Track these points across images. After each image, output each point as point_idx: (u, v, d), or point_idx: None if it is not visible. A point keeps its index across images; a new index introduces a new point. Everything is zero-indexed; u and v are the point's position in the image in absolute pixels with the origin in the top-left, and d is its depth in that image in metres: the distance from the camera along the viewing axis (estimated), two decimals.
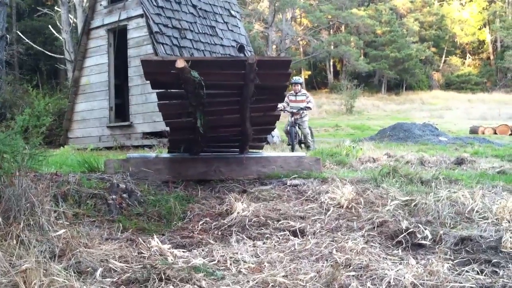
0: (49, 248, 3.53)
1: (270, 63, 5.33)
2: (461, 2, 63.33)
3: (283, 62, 5.35)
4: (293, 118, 11.66)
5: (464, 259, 3.67)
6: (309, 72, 56.61)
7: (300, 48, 55.30)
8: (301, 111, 11.81)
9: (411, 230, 4.14)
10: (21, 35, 28.74)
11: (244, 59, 4.99)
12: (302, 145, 12.01)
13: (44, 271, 3.01)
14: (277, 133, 15.80)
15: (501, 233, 4.06)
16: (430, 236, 4.09)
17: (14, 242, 3.36)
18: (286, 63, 5.28)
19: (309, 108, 11.92)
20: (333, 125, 27.80)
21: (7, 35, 10.72)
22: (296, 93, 11.99)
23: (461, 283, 3.21)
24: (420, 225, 4.26)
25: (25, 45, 29.87)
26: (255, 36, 41.06)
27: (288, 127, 11.74)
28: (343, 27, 54.24)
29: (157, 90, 5.41)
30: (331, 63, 56.39)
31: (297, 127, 11.74)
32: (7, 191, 3.88)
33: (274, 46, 44.45)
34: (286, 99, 11.39)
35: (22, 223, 3.63)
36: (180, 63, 4.63)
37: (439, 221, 4.49)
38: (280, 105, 10.20)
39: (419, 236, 4.09)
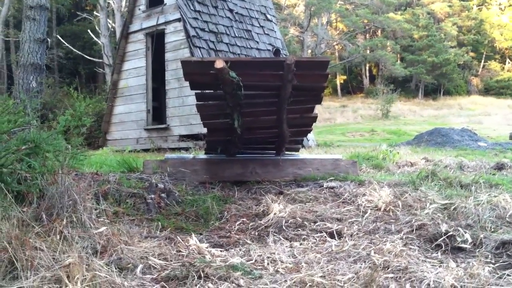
0: (91, 244, 3.60)
1: (308, 64, 5.33)
2: (500, 6, 62.17)
3: (321, 63, 5.35)
4: None
5: (506, 263, 3.60)
6: (345, 77, 56.32)
7: (335, 53, 55.09)
8: None
9: (451, 233, 4.08)
10: (61, 39, 29.39)
11: (282, 60, 5.00)
12: None
13: (87, 266, 3.07)
14: (313, 137, 15.76)
15: None
16: (470, 240, 4.02)
17: (58, 237, 3.44)
18: (324, 64, 5.28)
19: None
20: (369, 130, 27.56)
21: (48, 39, 10.95)
22: None
23: (502, 286, 3.16)
24: (459, 229, 4.20)
25: (64, 49, 30.57)
26: (290, 40, 41.08)
27: None
28: (379, 31, 53.83)
29: (196, 91, 5.46)
30: (367, 68, 56.01)
31: None
32: (50, 188, 3.97)
33: (309, 51, 44.40)
34: None
35: (65, 220, 3.71)
36: (219, 64, 4.67)
37: (479, 225, 4.41)
38: None
39: (458, 239, 4.03)
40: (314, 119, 6.00)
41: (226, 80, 4.85)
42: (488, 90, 54.99)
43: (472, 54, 56.77)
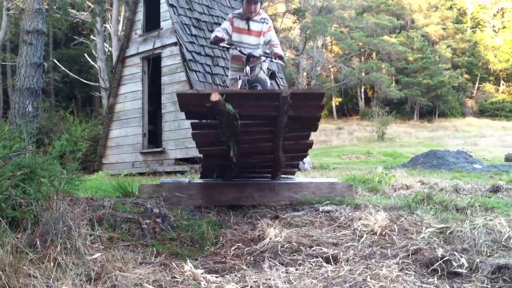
0: (85, 271, 3.58)
1: (304, 96, 5.37)
2: (494, 28, 62.79)
3: (316, 95, 5.38)
4: (247, 68, 6.70)
5: None
6: (340, 99, 56.58)
7: (331, 75, 55.41)
8: (261, 59, 6.84)
9: (447, 258, 4.07)
10: (58, 63, 29.50)
11: (278, 92, 5.05)
12: None
13: None
14: (309, 160, 15.77)
15: None
16: (466, 264, 4.01)
17: (51, 264, 3.42)
18: (320, 95, 5.31)
19: (280, 58, 6.82)
20: (365, 152, 27.59)
21: (44, 63, 11.00)
22: (249, 16, 6.83)
23: None
24: (455, 253, 4.19)
25: (61, 73, 30.68)
26: (286, 63, 41.31)
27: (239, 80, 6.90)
28: (374, 54, 54.22)
29: (191, 121, 5.48)
30: (362, 90, 56.29)
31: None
32: (45, 214, 3.96)
33: (305, 73, 44.68)
34: (227, 25, 6.88)
35: (59, 246, 3.69)
36: (215, 97, 4.68)
37: (475, 249, 4.40)
38: (215, 34, 6.77)
39: (455, 264, 4.02)
40: (310, 145, 6.01)
41: (222, 112, 4.87)
42: (483, 112, 55.26)
43: (466, 76, 57.18)
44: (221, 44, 6.78)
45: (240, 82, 6.72)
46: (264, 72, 6.99)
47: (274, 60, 6.86)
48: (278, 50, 6.90)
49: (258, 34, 6.91)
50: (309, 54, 45.14)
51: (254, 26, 6.87)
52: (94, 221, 4.58)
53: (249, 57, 6.66)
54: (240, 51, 6.71)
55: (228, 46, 6.87)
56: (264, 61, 6.92)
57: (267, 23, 6.93)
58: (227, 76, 14.32)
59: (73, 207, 4.46)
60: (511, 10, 61.18)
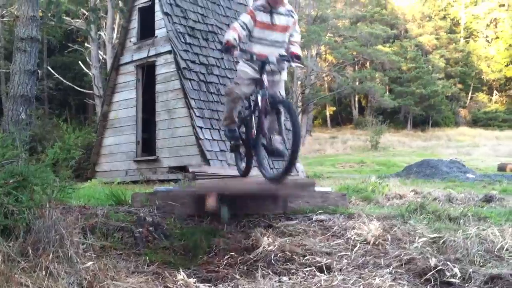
0: (77, 280, 3.56)
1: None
2: (487, 39, 63.18)
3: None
4: (265, 78, 5.50)
5: None
6: (334, 108, 56.73)
7: (325, 84, 55.49)
8: (286, 61, 5.73)
9: (440, 267, 4.08)
10: (52, 71, 29.41)
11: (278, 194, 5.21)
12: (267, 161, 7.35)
13: None
14: (302, 168, 15.76)
15: None
16: (459, 274, 4.02)
17: (43, 273, 3.40)
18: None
19: (297, 58, 5.74)
20: (358, 161, 27.64)
21: (38, 71, 10.98)
22: (275, 6, 5.68)
23: None
24: (448, 263, 4.20)
25: (55, 80, 30.57)
26: None
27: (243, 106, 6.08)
28: (368, 63, 54.36)
29: None
30: (356, 99, 56.44)
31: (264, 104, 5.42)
32: (37, 222, 3.94)
33: (299, 82, 44.68)
34: (246, 19, 5.64)
35: (51, 255, 3.67)
36: (211, 202, 4.56)
37: (468, 259, 4.41)
38: (230, 36, 5.47)
39: (447, 274, 4.03)
40: None
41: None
42: (476, 122, 55.48)
43: (459, 86, 57.44)
44: (234, 54, 5.58)
45: (260, 100, 5.41)
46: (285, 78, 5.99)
47: (293, 63, 5.73)
48: (296, 48, 5.81)
49: (284, 29, 5.73)
50: (304, 63, 45.27)
51: (279, 19, 5.68)
52: (86, 229, 4.56)
53: (264, 63, 5.48)
54: (252, 58, 5.57)
55: (241, 61, 5.77)
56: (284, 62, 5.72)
57: (293, 17, 5.79)
58: (221, 84, 14.35)
59: (66, 215, 4.44)
60: (504, 21, 61.58)
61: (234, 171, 6.89)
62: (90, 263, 3.78)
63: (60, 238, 3.88)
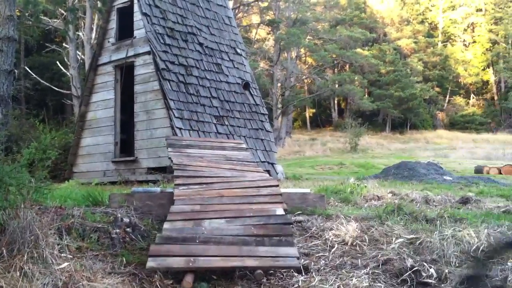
0: (52, 281, 3.52)
1: None
2: (464, 43, 64.04)
3: None
4: None
5: None
6: (314, 110, 56.99)
7: (304, 86, 55.74)
8: None
9: (416, 268, 4.11)
10: (29, 71, 29.04)
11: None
12: None
13: None
14: (282, 170, 15.79)
15: (507, 272, 4.03)
16: (435, 275, 4.06)
17: (18, 274, 3.36)
18: None
19: None
20: (338, 163, 27.77)
21: (15, 70, 10.83)
22: None
23: None
24: (425, 264, 4.23)
25: (32, 80, 30.20)
26: (260, 74, 41.41)
27: None
28: (347, 66, 54.74)
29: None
30: (336, 102, 56.82)
31: None
32: (12, 223, 3.89)
33: (279, 84, 44.79)
34: None
35: (26, 256, 3.63)
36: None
37: (444, 260, 4.45)
38: None
39: (424, 274, 4.06)
40: None
41: None
42: (453, 125, 56.22)
43: (437, 89, 58.14)
44: None
45: None
46: None
47: None
48: None
49: None
50: (283, 65, 45.26)
51: None
52: (62, 230, 4.51)
53: None
54: None
55: None
56: None
57: None
58: (201, 85, 14.32)
59: (41, 216, 4.38)
60: (481, 25, 62.49)
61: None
62: (66, 264, 3.74)
63: (35, 239, 3.83)
